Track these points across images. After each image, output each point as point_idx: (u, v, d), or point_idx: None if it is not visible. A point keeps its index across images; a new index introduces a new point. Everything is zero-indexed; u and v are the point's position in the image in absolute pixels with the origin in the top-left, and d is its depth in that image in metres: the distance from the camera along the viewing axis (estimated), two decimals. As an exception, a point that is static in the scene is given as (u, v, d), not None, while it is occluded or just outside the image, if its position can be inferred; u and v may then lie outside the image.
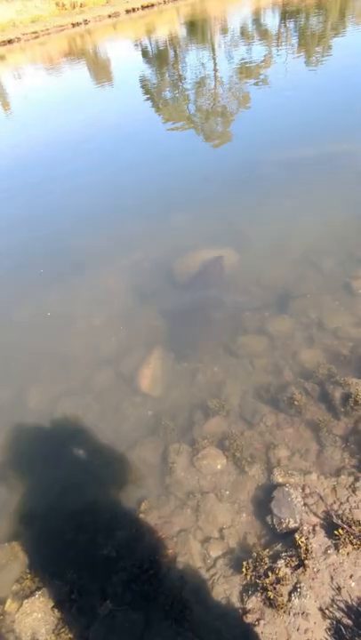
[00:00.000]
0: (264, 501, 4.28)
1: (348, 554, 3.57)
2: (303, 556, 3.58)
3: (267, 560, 3.68)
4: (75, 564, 4.11)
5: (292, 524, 3.91)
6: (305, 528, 3.86)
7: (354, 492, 4.07)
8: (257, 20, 28.68)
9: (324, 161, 10.29)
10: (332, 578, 3.45)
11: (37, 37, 39.46)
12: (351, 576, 3.42)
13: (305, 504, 4.08)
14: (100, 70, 22.91)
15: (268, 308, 6.95)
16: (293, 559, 3.60)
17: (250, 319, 6.82)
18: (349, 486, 4.15)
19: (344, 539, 3.64)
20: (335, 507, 3.99)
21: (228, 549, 4.03)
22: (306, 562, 3.55)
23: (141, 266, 8.38)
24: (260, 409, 5.47)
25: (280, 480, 4.43)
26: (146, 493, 4.81)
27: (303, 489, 4.26)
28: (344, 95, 13.77)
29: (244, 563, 3.68)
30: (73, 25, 41.03)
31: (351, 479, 4.22)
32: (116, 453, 5.45)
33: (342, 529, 3.68)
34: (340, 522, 3.74)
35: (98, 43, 31.87)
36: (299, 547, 3.64)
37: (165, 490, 4.79)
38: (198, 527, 4.31)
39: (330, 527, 3.80)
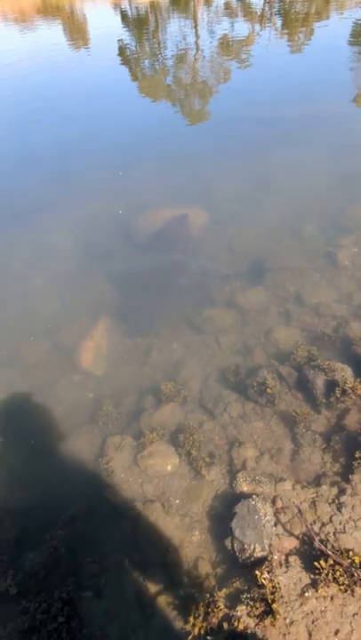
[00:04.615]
0: (224, 517, 3.30)
1: (331, 597, 2.65)
2: (270, 599, 2.63)
3: (222, 604, 2.70)
4: None
5: (259, 552, 2.94)
6: (275, 558, 2.91)
7: (339, 508, 3.14)
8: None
9: (307, 119, 9.18)
10: (310, 634, 2.52)
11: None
12: (337, 632, 2.50)
13: (276, 523, 3.13)
14: (76, 30, 20.40)
15: (240, 277, 5.89)
16: (259, 604, 2.64)
17: (218, 289, 5.75)
18: (333, 500, 3.22)
19: (327, 574, 2.71)
20: (315, 528, 3.06)
21: (171, 584, 3.03)
22: (274, 608, 2.59)
23: (96, 220, 7.07)
24: (224, 396, 4.46)
25: (245, 489, 3.46)
26: (74, 500, 3.71)
27: (274, 502, 3.30)
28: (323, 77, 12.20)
29: (193, 608, 2.68)
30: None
31: (335, 491, 3.30)
32: (43, 445, 4.32)
33: (326, 560, 2.74)
34: (323, 549, 2.80)
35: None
36: (264, 586, 2.68)
37: (99, 495, 3.72)
38: (136, 549, 3.29)
39: (308, 557, 2.87)
